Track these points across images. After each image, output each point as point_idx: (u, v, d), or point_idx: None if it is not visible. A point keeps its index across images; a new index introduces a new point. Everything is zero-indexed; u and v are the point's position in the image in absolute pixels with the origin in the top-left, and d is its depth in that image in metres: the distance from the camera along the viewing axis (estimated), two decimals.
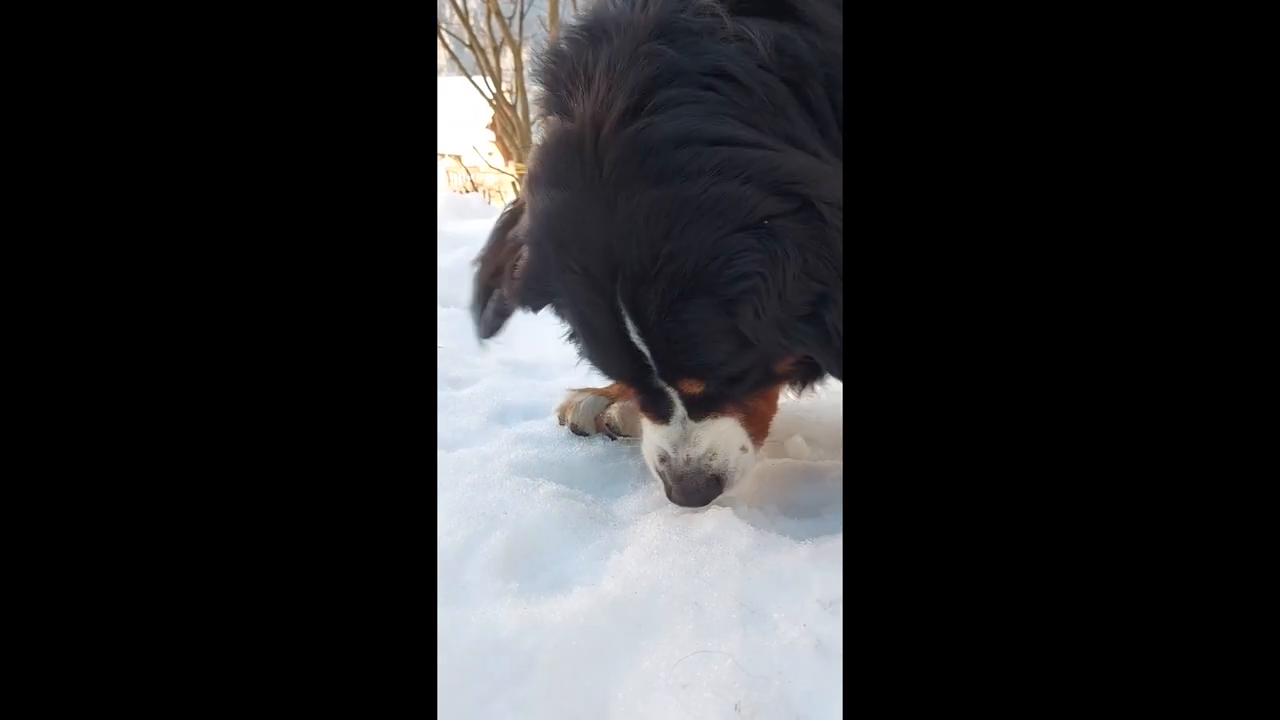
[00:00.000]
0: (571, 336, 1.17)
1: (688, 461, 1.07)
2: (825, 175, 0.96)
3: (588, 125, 0.97)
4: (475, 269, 1.29)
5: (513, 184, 7.68)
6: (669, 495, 1.12)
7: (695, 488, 1.08)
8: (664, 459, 1.09)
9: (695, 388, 1.05)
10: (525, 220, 1.09)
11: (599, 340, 1.03)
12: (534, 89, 1.17)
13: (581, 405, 1.50)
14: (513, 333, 2.61)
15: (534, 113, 1.38)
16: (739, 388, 1.08)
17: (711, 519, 1.14)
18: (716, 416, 1.08)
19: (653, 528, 1.11)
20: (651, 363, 1.01)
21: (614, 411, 1.49)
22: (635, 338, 0.99)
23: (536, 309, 1.12)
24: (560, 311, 1.11)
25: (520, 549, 1.03)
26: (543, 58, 1.10)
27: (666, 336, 0.97)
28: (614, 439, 1.48)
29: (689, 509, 1.15)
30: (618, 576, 0.96)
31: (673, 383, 1.04)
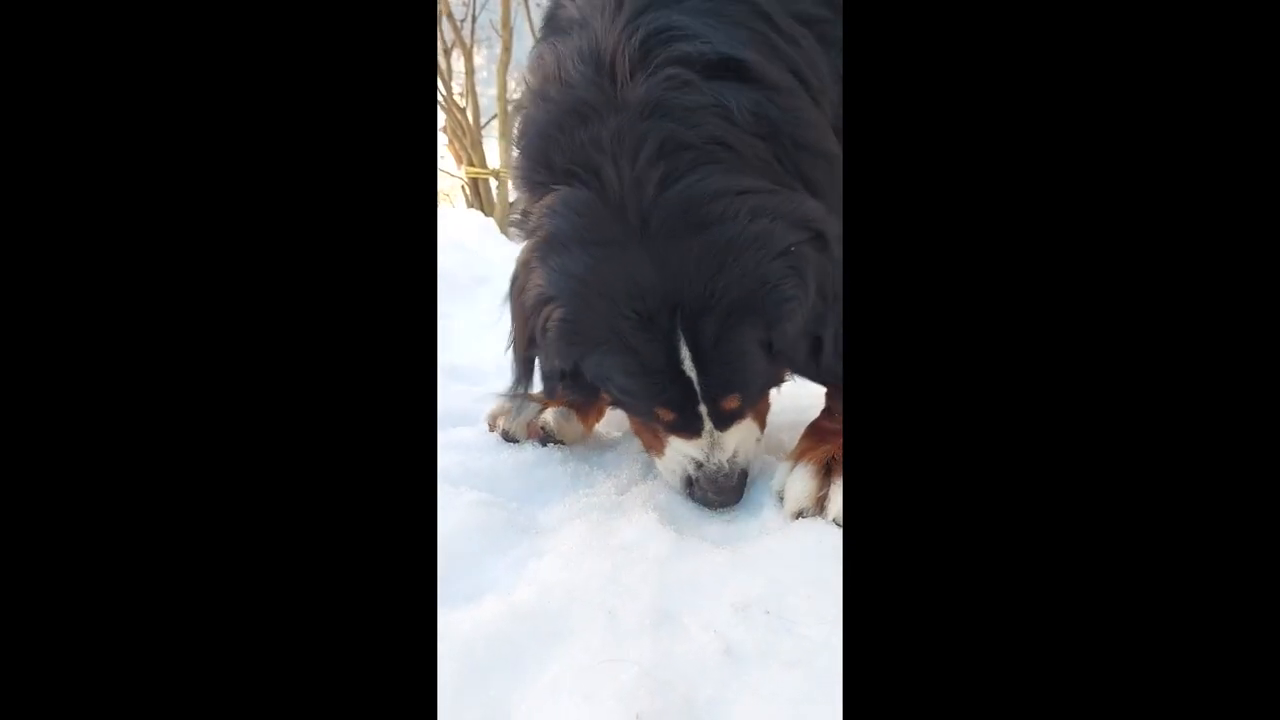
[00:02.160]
0: (601, 379, 1.20)
1: (719, 466, 1.21)
2: (827, 215, 1.12)
3: (628, 190, 1.08)
4: (511, 349, 1.32)
5: (462, 188, 7.61)
6: (704, 500, 1.24)
7: (730, 486, 1.23)
8: (699, 466, 1.22)
9: (733, 403, 1.18)
10: (540, 282, 1.15)
11: (649, 375, 1.12)
12: (518, 163, 1.26)
13: (513, 411, 1.49)
14: (449, 335, 2.57)
15: (514, 181, 1.40)
16: (759, 395, 1.25)
17: (634, 525, 1.14)
18: (738, 422, 1.22)
19: (574, 534, 1.10)
20: (698, 387, 1.13)
21: (549, 416, 1.48)
22: (688, 366, 1.10)
23: (578, 361, 1.17)
24: (596, 357, 1.15)
25: (443, 558, 1.01)
26: (533, 139, 1.19)
27: (719, 360, 1.10)
28: (545, 445, 1.46)
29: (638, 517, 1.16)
30: (533, 584, 0.95)
31: (714, 401, 1.16)
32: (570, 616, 0.88)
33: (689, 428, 1.20)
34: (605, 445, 1.52)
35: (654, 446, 1.29)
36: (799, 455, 1.25)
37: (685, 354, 1.09)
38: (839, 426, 1.27)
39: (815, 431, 1.30)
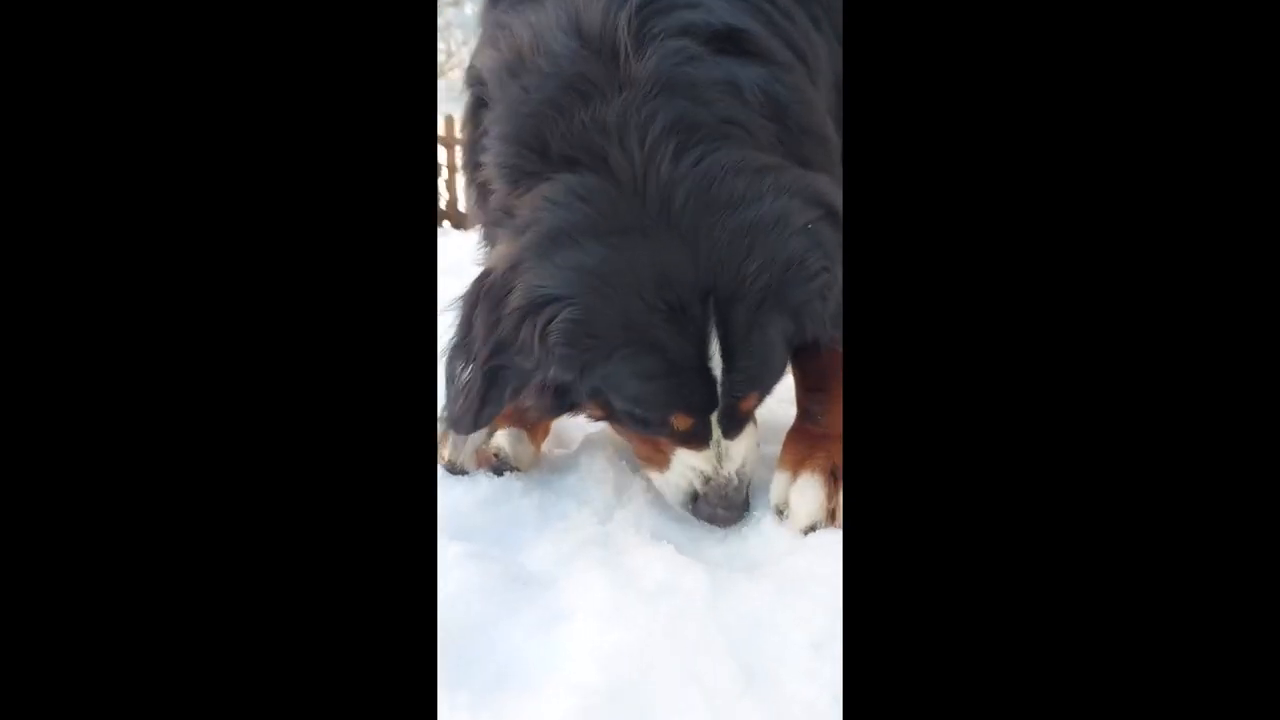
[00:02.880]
0: (606, 389, 1.04)
1: (729, 478, 1.12)
2: (835, 190, 1.06)
3: (641, 169, 0.97)
4: (455, 366, 1.08)
5: None
6: (711, 517, 1.14)
7: (740, 501, 1.14)
8: (707, 480, 1.12)
9: (751, 402, 1.10)
10: (540, 282, 0.99)
11: (674, 375, 1.00)
12: (497, 149, 1.08)
13: (454, 437, 1.28)
14: None
15: (503, 177, 1.11)
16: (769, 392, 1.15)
17: (654, 561, 1.01)
18: (743, 429, 1.13)
19: (589, 582, 0.95)
20: (721, 386, 1.02)
21: (502, 440, 1.29)
22: (715, 362, 1.00)
23: (583, 370, 1.02)
24: (609, 363, 1.00)
25: (448, 634, 0.82)
26: (521, 119, 1.05)
27: (749, 353, 1.00)
28: (500, 475, 1.28)
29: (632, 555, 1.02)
30: (587, 657, 0.79)
31: (734, 401, 1.06)
32: (654, 692, 0.74)
33: (697, 438, 1.09)
34: (562, 467, 1.36)
35: (655, 461, 1.16)
36: (795, 465, 1.18)
37: (714, 348, 0.99)
38: (827, 430, 1.22)
39: (802, 438, 1.23)
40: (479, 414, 1.07)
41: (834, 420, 1.21)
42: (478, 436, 1.31)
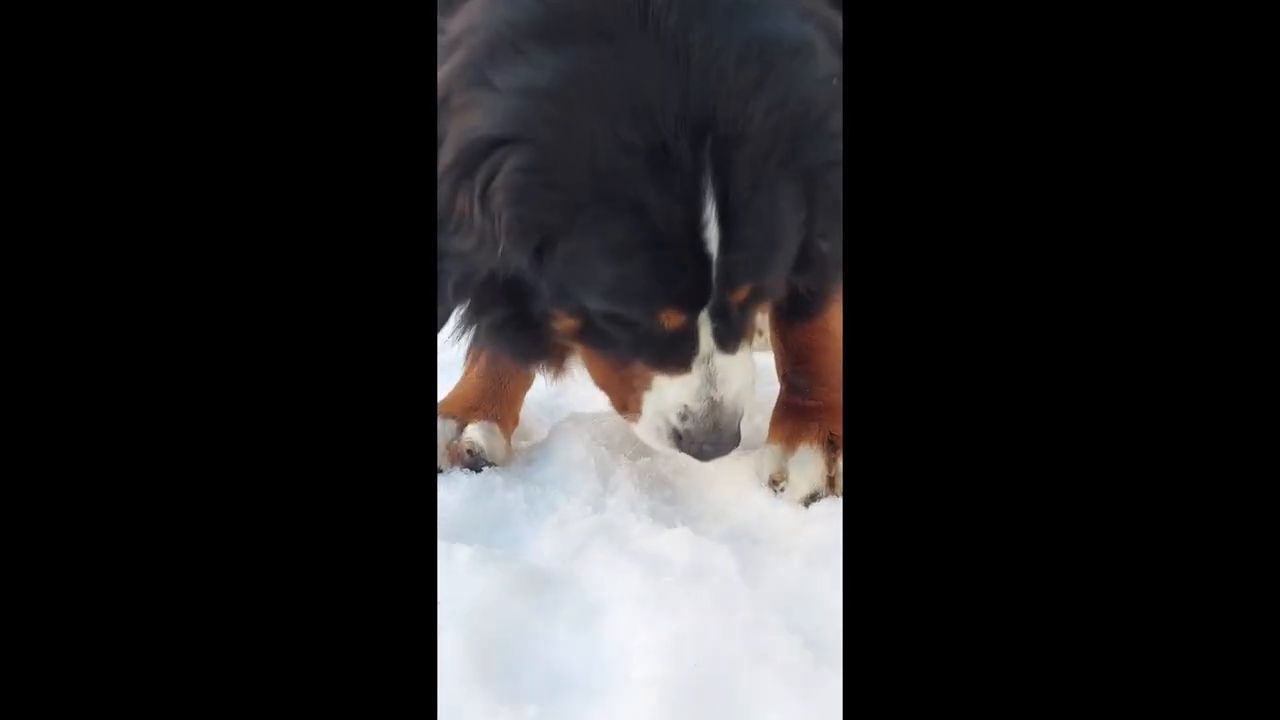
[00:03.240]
0: (575, 281, 0.82)
1: (716, 405, 0.88)
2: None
3: None
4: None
5: None
6: (697, 452, 0.92)
7: (731, 435, 0.91)
8: (687, 414, 0.89)
9: (745, 293, 0.86)
10: (478, 120, 0.75)
11: (658, 244, 0.77)
12: None
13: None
14: None
15: None
16: (771, 291, 0.92)
17: (671, 542, 0.96)
18: (740, 343, 0.90)
19: (618, 574, 0.89)
20: (715, 266, 0.79)
21: (475, 434, 1.19)
22: (711, 232, 0.77)
23: (542, 245, 0.78)
24: (573, 237, 0.77)
25: (483, 646, 0.74)
26: None
27: (752, 220, 0.78)
28: (478, 470, 1.19)
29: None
30: (645, 650, 0.73)
31: (729, 290, 0.83)
32: (728, 676, 0.69)
33: (678, 355, 0.88)
34: (538, 459, 1.28)
35: (630, 404, 0.96)
36: (790, 438, 1.16)
37: (709, 210, 0.76)
38: (817, 402, 1.21)
39: (791, 411, 1.22)
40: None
41: (822, 391, 1.21)
42: (445, 429, 1.21)
